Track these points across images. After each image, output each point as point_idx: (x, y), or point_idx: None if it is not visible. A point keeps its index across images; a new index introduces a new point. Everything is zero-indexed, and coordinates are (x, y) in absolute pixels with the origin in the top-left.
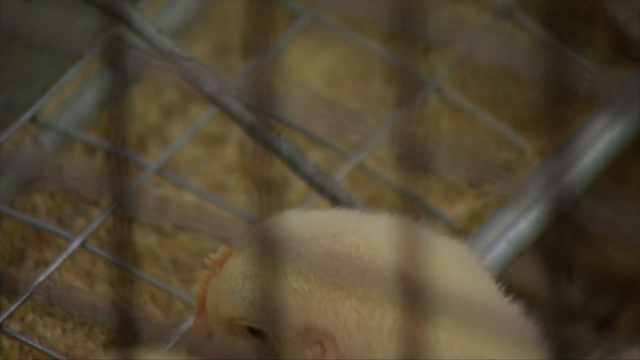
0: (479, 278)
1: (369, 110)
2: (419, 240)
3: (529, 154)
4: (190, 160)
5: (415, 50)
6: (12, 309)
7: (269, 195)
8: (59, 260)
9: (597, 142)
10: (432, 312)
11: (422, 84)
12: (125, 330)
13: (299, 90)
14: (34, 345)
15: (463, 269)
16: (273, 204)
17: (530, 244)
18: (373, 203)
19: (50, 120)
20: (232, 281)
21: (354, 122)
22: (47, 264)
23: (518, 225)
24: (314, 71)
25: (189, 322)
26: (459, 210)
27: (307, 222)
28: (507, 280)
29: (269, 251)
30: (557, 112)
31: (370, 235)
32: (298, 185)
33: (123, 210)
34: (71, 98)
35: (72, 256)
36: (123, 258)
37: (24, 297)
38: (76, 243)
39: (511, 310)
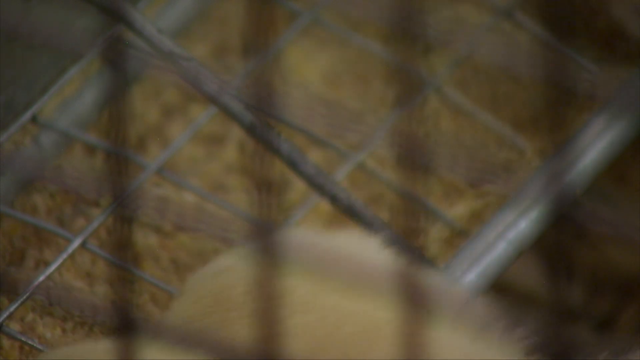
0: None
1: (369, 110)
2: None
3: (529, 154)
4: (190, 160)
5: (415, 50)
6: (12, 309)
7: (269, 195)
8: (59, 260)
9: (597, 142)
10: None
11: (422, 84)
12: (125, 330)
13: (299, 90)
14: (34, 345)
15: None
16: (273, 204)
17: (530, 244)
18: (373, 203)
19: (50, 120)
20: None
21: (354, 122)
22: (47, 264)
23: (518, 225)
24: (314, 71)
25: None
26: (459, 210)
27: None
28: (507, 280)
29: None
30: (557, 112)
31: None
32: (298, 185)
33: (123, 210)
34: (71, 98)
35: (72, 256)
36: (123, 258)
37: (24, 297)
38: (76, 243)
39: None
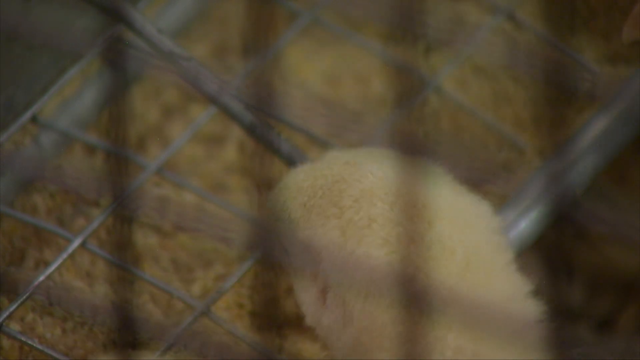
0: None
1: (369, 110)
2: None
3: (529, 154)
4: (190, 160)
5: (415, 50)
6: (12, 309)
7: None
8: (59, 260)
9: (597, 142)
10: (435, 311)
11: (422, 84)
12: (125, 330)
13: (299, 90)
14: (34, 345)
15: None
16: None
17: (530, 244)
18: None
19: (50, 120)
20: None
21: (354, 122)
22: (47, 264)
23: (518, 225)
24: (313, 71)
25: (189, 322)
26: None
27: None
28: None
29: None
30: (557, 112)
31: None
32: None
33: (123, 210)
34: (71, 98)
35: (72, 256)
36: (123, 258)
37: (24, 297)
38: (76, 243)
39: (517, 307)
